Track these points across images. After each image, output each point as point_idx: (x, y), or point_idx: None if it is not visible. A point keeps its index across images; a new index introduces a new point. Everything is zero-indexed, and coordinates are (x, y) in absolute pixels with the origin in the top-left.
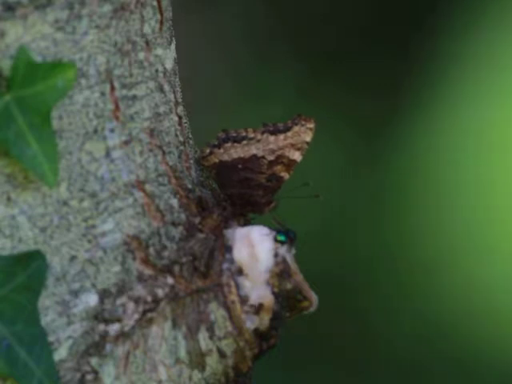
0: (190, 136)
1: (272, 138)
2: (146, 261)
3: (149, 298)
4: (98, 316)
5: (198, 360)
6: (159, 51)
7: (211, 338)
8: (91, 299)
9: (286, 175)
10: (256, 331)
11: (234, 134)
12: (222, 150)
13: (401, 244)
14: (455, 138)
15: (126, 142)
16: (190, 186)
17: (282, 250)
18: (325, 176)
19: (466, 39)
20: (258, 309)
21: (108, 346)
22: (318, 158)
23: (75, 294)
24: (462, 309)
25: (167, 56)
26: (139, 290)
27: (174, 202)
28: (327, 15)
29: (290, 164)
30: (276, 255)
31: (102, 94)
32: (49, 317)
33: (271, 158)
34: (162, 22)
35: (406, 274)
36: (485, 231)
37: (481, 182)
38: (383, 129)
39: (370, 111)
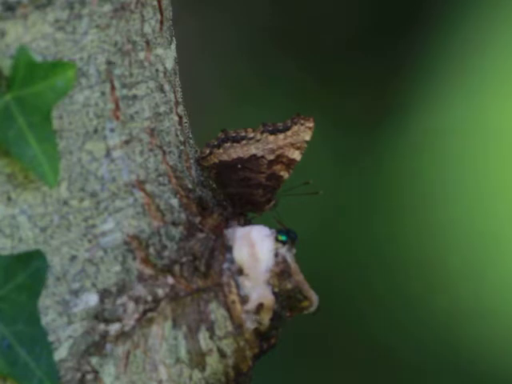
0: (191, 136)
1: (271, 137)
2: (146, 260)
3: (149, 298)
4: (99, 316)
5: (198, 360)
6: (159, 51)
7: (211, 337)
8: (91, 299)
9: (285, 174)
10: (256, 331)
11: (234, 134)
12: (221, 151)
13: (394, 243)
14: (449, 138)
15: (127, 142)
16: (190, 186)
17: (283, 249)
18: (322, 176)
19: (467, 40)
20: (259, 309)
21: (108, 346)
22: (317, 159)
23: (75, 293)
24: (457, 308)
25: (167, 56)
26: (139, 290)
27: (175, 201)
28: (327, 16)
29: (289, 163)
30: (276, 255)
31: (103, 93)
32: (49, 316)
33: (271, 157)
34: (162, 22)
35: (400, 273)
36: (480, 230)
37: (476, 179)
38: (383, 129)
39: (370, 112)
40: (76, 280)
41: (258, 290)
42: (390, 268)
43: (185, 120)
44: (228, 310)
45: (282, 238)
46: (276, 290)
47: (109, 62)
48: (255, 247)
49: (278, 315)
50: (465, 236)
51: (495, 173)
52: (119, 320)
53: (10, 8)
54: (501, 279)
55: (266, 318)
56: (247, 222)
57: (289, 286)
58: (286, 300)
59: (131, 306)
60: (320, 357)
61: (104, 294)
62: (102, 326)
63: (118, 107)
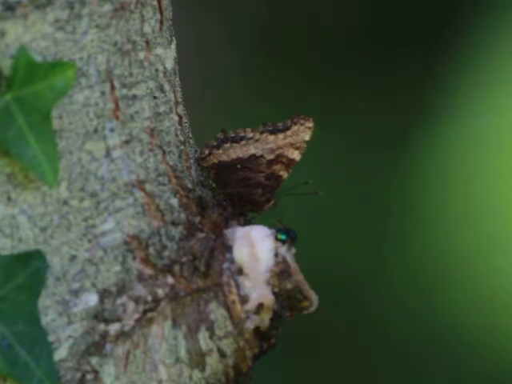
0: (190, 136)
1: (271, 137)
2: (146, 260)
3: (149, 298)
4: (98, 316)
5: (198, 360)
6: (159, 51)
7: (211, 337)
8: (91, 299)
9: (285, 174)
10: (256, 331)
11: (233, 135)
12: (220, 151)
13: (394, 243)
14: (448, 136)
15: (126, 142)
16: (190, 186)
17: (283, 249)
18: (322, 176)
19: (471, 42)
20: (258, 309)
21: (108, 346)
22: (317, 159)
23: (75, 293)
24: (458, 306)
25: (167, 55)
26: (139, 290)
27: (174, 201)
28: (327, 16)
29: (289, 163)
30: (276, 255)
31: (102, 93)
32: (49, 316)
33: (270, 157)
34: (162, 22)
35: (401, 273)
36: (489, 237)
37: (489, 188)
38: (384, 130)
39: (370, 112)
40: (76, 280)
41: (258, 289)
42: (390, 268)
43: (185, 120)
44: (228, 309)
45: (282, 236)
46: (276, 290)
47: (109, 62)
48: (255, 247)
49: (278, 315)
50: (468, 237)
51: (507, 184)
52: (119, 320)
53: (10, 8)
54: (504, 278)
55: (266, 318)
56: (247, 222)
57: (289, 285)
58: (286, 300)
59: (131, 306)
60: (320, 357)
61: (104, 294)
62: (101, 326)
63: (117, 107)
